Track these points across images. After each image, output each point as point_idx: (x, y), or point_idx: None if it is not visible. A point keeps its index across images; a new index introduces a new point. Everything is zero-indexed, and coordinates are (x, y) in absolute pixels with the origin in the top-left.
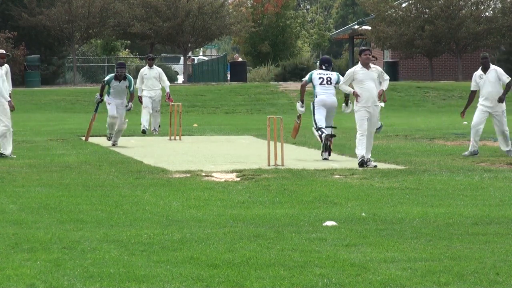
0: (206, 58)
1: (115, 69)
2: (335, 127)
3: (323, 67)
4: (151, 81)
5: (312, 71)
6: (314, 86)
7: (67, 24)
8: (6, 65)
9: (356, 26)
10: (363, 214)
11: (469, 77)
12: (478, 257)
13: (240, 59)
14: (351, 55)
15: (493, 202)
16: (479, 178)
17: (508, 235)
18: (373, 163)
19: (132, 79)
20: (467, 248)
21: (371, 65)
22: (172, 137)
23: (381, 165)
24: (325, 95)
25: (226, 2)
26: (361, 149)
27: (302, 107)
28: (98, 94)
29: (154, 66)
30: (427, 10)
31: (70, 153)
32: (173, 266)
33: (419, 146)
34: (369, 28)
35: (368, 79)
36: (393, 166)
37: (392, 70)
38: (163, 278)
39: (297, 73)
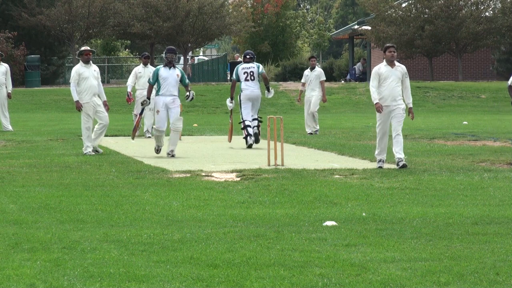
0: (206, 58)
1: (164, 56)
2: (260, 117)
3: (247, 57)
4: (145, 79)
5: (237, 67)
6: (240, 82)
7: (67, 24)
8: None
9: (356, 26)
10: (364, 214)
11: (469, 77)
12: (478, 257)
13: (239, 59)
14: (351, 55)
15: (493, 202)
16: (479, 178)
17: (508, 235)
18: (403, 162)
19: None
20: (467, 248)
21: (396, 63)
22: None
23: None
24: (248, 90)
25: (226, 2)
26: (381, 153)
27: (231, 102)
28: (146, 98)
29: (149, 65)
30: (427, 10)
31: (70, 153)
32: (173, 266)
33: (419, 146)
34: (369, 28)
35: (392, 77)
36: (393, 166)
37: None
38: (163, 278)
39: (297, 73)
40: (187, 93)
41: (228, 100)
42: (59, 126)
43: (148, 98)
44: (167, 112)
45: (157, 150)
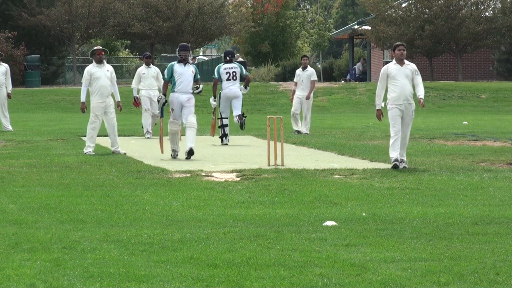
0: (206, 58)
1: (177, 53)
2: (243, 114)
3: (227, 58)
4: (149, 80)
5: (219, 66)
6: (221, 81)
7: (67, 24)
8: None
9: (356, 26)
10: (364, 214)
11: (469, 77)
12: (478, 257)
13: (240, 58)
14: (351, 55)
15: (493, 202)
16: (479, 178)
17: (508, 235)
18: (404, 164)
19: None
20: (467, 248)
21: (405, 61)
22: None
23: (381, 165)
24: (227, 89)
25: (226, 2)
26: (395, 152)
27: (214, 101)
28: (161, 94)
29: (151, 65)
30: (427, 10)
31: (70, 153)
32: (173, 266)
33: (419, 146)
34: (369, 28)
35: (401, 76)
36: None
37: None
38: (163, 278)
39: None
40: (197, 85)
41: (212, 98)
42: (59, 126)
43: (164, 94)
44: (182, 110)
45: (174, 156)
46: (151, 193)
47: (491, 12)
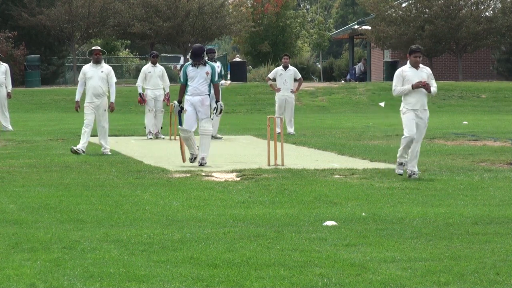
0: (206, 58)
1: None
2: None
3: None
4: (155, 79)
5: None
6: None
7: (67, 24)
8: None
9: (356, 26)
10: (364, 214)
11: (468, 77)
12: (478, 257)
13: (238, 58)
14: (351, 55)
15: (493, 202)
16: (479, 178)
17: (508, 235)
18: (415, 176)
19: (216, 68)
20: (467, 248)
21: (421, 65)
22: (172, 137)
23: (381, 165)
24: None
25: (226, 2)
26: (402, 157)
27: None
28: (175, 102)
29: (157, 64)
30: (427, 10)
31: (70, 153)
32: (173, 266)
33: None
34: (369, 28)
35: (418, 79)
36: (393, 166)
37: (392, 70)
38: (163, 278)
39: None
40: (215, 105)
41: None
42: (59, 126)
43: (180, 100)
44: (196, 113)
45: (192, 159)
46: (151, 193)
47: (491, 12)
